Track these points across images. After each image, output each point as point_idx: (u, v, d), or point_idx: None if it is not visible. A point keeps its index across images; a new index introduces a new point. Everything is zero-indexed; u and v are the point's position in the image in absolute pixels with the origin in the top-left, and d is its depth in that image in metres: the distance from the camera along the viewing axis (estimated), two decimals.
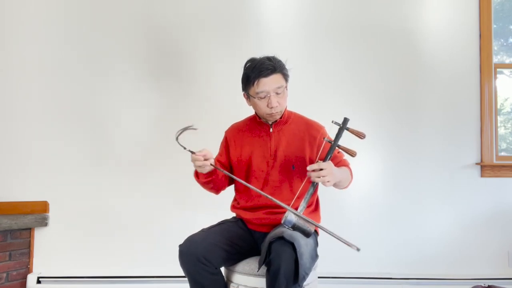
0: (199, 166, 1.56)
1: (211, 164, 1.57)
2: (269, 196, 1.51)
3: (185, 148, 1.53)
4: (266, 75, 1.61)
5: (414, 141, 2.68)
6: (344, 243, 1.40)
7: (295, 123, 1.77)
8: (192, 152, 1.54)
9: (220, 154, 1.83)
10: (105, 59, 2.69)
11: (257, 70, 1.62)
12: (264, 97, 1.64)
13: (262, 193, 1.53)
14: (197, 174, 1.69)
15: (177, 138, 1.54)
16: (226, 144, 1.82)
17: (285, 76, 1.68)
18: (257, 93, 1.64)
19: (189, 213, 2.63)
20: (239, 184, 1.77)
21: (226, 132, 1.86)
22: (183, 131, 1.55)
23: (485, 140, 2.68)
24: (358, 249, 1.37)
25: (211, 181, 1.69)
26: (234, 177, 1.63)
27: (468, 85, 2.71)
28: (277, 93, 1.64)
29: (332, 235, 1.42)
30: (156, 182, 2.65)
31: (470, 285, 2.49)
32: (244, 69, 1.69)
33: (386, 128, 2.69)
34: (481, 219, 2.66)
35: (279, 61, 1.67)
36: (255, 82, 1.62)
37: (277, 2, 2.73)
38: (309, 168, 1.48)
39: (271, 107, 1.64)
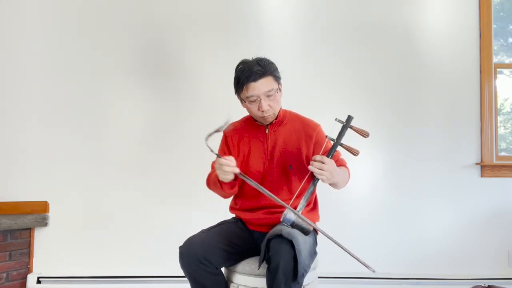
0: (225, 172, 1.50)
1: (240, 173, 1.53)
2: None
3: (212, 151, 1.51)
4: (255, 79, 1.59)
5: (414, 141, 2.68)
6: (357, 259, 1.44)
7: (291, 122, 1.76)
8: (220, 156, 1.50)
9: (220, 151, 1.81)
10: (104, 59, 2.69)
11: (246, 75, 1.60)
12: (255, 101, 1.63)
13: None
14: (218, 184, 1.62)
15: (206, 140, 1.51)
16: (226, 143, 1.80)
17: (277, 79, 1.66)
18: (247, 97, 1.63)
19: (189, 213, 2.63)
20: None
21: (225, 132, 1.83)
22: (214, 133, 1.53)
23: (485, 140, 2.68)
24: (373, 271, 1.41)
25: (235, 190, 1.67)
26: (258, 185, 1.56)
27: (468, 85, 2.71)
28: (268, 96, 1.62)
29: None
30: (156, 182, 2.65)
31: (470, 285, 2.49)
32: (235, 72, 1.67)
33: (386, 128, 2.69)
34: (481, 219, 2.66)
35: (270, 64, 1.65)
36: (244, 87, 1.61)
37: (276, 1, 2.74)
38: (313, 158, 1.49)
39: (262, 111, 1.63)
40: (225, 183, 1.59)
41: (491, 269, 2.63)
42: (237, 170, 1.52)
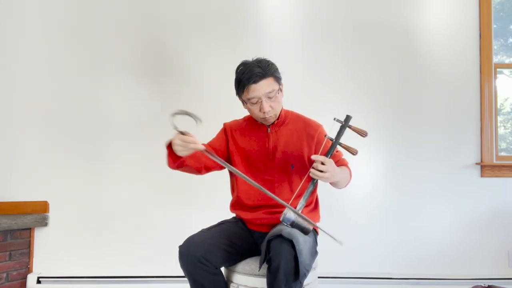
0: (188, 149, 1.49)
1: (205, 150, 1.51)
2: (268, 192, 1.51)
3: (175, 128, 1.50)
4: (256, 81, 1.59)
5: (414, 141, 2.68)
6: (329, 235, 1.42)
7: (293, 122, 1.76)
8: (182, 133, 1.49)
9: (216, 139, 1.79)
10: (103, 59, 2.69)
11: (246, 77, 1.60)
12: (256, 102, 1.63)
13: (261, 187, 1.52)
14: (171, 161, 1.62)
15: (172, 116, 1.50)
16: (224, 134, 1.79)
17: (277, 79, 1.66)
18: (249, 99, 1.63)
19: (189, 213, 2.63)
20: (238, 184, 1.77)
21: (226, 124, 1.83)
22: (183, 114, 1.51)
23: (485, 140, 2.68)
24: (341, 243, 1.40)
25: (181, 163, 1.63)
26: (231, 166, 1.57)
27: (468, 85, 2.71)
28: (269, 98, 1.62)
29: (320, 229, 1.43)
30: (156, 181, 2.65)
31: (470, 285, 2.49)
32: (236, 74, 1.67)
33: (386, 128, 2.69)
34: (481, 219, 2.66)
35: (270, 65, 1.64)
36: (245, 89, 1.61)
37: (276, 1, 2.74)
38: (313, 157, 1.48)
39: (264, 112, 1.63)
40: (173, 156, 1.58)
41: (491, 269, 2.63)
42: (202, 147, 1.51)
